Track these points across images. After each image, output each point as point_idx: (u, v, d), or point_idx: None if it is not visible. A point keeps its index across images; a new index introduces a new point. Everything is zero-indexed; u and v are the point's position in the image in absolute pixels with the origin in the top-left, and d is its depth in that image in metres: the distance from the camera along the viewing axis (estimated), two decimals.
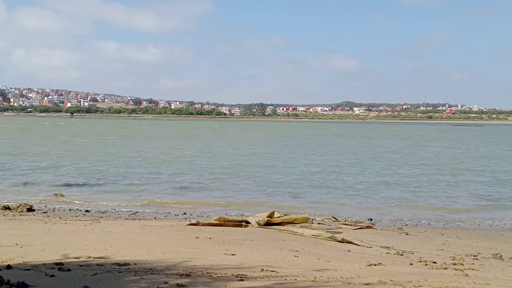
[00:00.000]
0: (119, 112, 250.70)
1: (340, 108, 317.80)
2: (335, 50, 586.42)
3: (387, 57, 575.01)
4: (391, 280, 5.57)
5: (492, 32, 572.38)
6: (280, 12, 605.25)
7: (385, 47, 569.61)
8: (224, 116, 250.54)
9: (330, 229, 9.83)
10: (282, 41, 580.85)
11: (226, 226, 9.69)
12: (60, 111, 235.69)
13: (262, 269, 5.83)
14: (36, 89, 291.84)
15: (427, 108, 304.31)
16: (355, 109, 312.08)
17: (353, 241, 8.58)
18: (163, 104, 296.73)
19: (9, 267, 5.33)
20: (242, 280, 5.20)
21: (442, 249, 8.57)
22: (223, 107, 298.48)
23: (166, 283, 4.93)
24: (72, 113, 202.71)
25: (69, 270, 5.36)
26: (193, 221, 9.93)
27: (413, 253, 7.92)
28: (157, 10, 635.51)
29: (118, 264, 5.82)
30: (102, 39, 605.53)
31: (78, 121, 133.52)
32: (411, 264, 6.89)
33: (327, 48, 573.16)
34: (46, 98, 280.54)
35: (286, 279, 5.34)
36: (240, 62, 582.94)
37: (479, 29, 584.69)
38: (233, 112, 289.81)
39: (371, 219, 12.34)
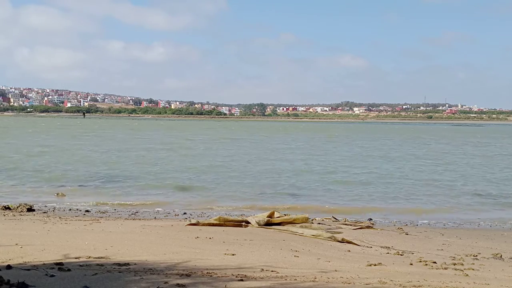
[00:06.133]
0: (119, 112, 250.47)
1: (340, 108, 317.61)
2: (344, 49, 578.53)
3: (396, 56, 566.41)
4: (391, 280, 5.57)
5: (502, 32, 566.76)
6: (294, 10, 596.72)
7: (395, 47, 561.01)
8: (224, 116, 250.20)
9: (330, 229, 9.83)
10: (292, 39, 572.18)
11: (226, 226, 9.69)
12: (60, 111, 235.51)
13: (262, 269, 5.83)
14: (36, 89, 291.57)
15: (427, 108, 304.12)
16: (355, 109, 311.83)
17: (353, 241, 8.58)
18: (163, 104, 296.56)
19: (9, 267, 5.33)
20: (242, 280, 5.20)
21: (442, 249, 8.58)
22: (223, 107, 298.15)
23: (166, 283, 4.93)
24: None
25: (69, 270, 5.36)
26: (193, 221, 9.93)
27: (413, 253, 7.92)
28: (168, 8, 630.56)
29: (118, 264, 5.82)
30: (109, 38, 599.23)
31: (97, 121, 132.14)
32: (411, 264, 6.89)
33: (337, 47, 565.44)
34: (46, 98, 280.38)
35: (286, 279, 5.35)
36: (247, 62, 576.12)
37: (491, 28, 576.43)
38: (233, 112, 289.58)
39: (371, 219, 12.34)
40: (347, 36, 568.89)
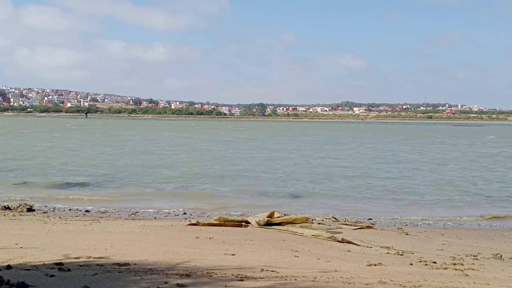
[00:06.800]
0: (119, 112, 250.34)
1: (340, 108, 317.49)
2: (345, 49, 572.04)
3: (398, 56, 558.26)
4: (391, 280, 5.57)
5: (503, 31, 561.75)
6: (295, 9, 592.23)
7: (397, 47, 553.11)
8: (224, 116, 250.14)
9: (330, 229, 9.83)
10: (293, 39, 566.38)
11: (226, 226, 9.69)
12: (60, 111, 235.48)
13: (262, 269, 5.84)
14: (36, 89, 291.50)
15: (427, 108, 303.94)
16: (355, 109, 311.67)
17: (353, 241, 8.58)
18: (163, 104, 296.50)
19: (9, 267, 5.34)
20: (242, 280, 5.20)
21: (442, 249, 8.58)
22: (223, 107, 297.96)
23: (166, 283, 4.94)
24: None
25: (69, 270, 5.36)
26: (193, 221, 9.94)
27: (413, 253, 7.92)
28: (169, 8, 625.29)
29: (118, 264, 5.82)
30: (109, 38, 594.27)
31: (100, 121, 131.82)
32: (411, 264, 6.89)
33: (337, 47, 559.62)
34: (46, 98, 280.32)
35: (286, 279, 5.35)
36: (248, 62, 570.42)
37: (493, 28, 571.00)
38: (233, 112, 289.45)
39: (371, 219, 12.34)
40: (348, 35, 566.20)
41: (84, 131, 65.98)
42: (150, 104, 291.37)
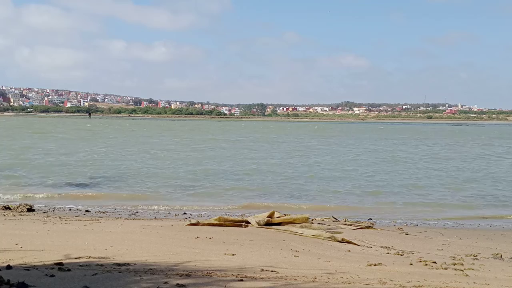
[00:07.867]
0: (119, 112, 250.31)
1: (340, 108, 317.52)
2: (347, 49, 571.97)
3: (399, 56, 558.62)
4: (391, 280, 5.58)
5: (505, 31, 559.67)
6: (297, 9, 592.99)
7: (398, 46, 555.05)
8: (224, 116, 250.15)
9: (330, 229, 9.83)
10: (295, 38, 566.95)
11: (226, 226, 9.69)
12: (60, 111, 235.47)
13: (262, 269, 5.84)
14: (36, 89, 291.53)
15: (427, 108, 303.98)
16: (355, 109, 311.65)
17: (353, 241, 8.58)
18: (163, 104, 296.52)
19: (9, 267, 5.34)
20: (242, 280, 5.20)
21: (442, 249, 8.58)
22: (223, 107, 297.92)
23: (166, 283, 4.94)
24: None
25: (69, 270, 5.36)
26: (193, 221, 9.94)
27: (413, 253, 7.92)
28: (171, 8, 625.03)
29: (118, 264, 5.82)
30: (111, 37, 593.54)
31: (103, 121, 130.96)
32: (411, 264, 6.89)
33: (339, 47, 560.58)
34: (46, 98, 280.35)
35: (286, 279, 5.35)
36: (249, 62, 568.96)
37: (494, 28, 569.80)
38: (233, 112, 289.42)
39: (371, 219, 12.35)
40: (350, 35, 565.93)
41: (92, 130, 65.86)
42: (150, 104, 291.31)
